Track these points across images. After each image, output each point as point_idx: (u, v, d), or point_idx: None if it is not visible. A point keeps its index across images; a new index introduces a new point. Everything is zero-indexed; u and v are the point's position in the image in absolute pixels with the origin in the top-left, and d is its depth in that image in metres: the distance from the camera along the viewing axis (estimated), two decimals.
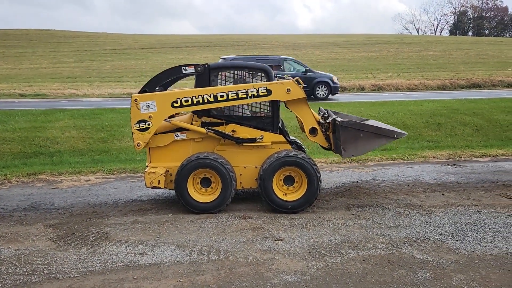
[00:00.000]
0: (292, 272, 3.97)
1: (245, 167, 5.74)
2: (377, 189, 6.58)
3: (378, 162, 8.48)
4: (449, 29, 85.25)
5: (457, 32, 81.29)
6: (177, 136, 5.71)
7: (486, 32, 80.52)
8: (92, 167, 8.20)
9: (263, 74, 5.78)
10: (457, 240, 4.62)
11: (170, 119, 5.74)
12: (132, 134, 5.53)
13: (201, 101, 5.47)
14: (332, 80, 16.95)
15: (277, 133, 5.80)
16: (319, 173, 5.54)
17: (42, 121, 11.36)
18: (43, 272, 4.01)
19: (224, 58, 16.93)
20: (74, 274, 3.98)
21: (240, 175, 5.73)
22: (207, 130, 5.58)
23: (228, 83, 5.72)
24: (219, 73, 5.74)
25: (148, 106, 5.45)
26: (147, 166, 5.74)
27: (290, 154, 5.50)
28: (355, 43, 47.15)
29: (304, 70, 16.84)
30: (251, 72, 5.79)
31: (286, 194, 5.58)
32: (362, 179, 7.16)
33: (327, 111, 6.39)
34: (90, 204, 6.05)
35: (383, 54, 38.41)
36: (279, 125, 5.92)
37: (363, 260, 4.18)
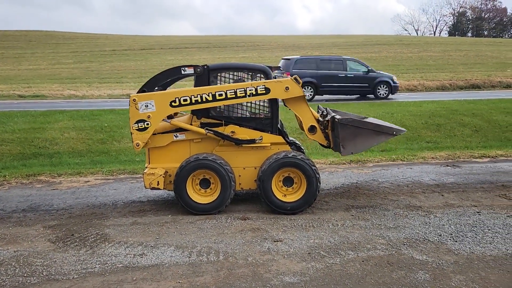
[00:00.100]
0: (291, 273, 3.97)
1: (244, 168, 5.74)
2: (377, 190, 6.58)
3: (378, 163, 8.48)
4: (448, 30, 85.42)
5: (456, 33, 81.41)
6: (176, 137, 5.71)
7: (485, 33, 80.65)
8: (92, 168, 8.20)
9: (262, 75, 5.79)
10: (456, 241, 4.62)
11: (170, 120, 5.74)
12: (131, 134, 5.53)
13: (199, 100, 5.47)
14: (392, 80, 17.14)
15: (276, 134, 5.80)
16: (318, 174, 5.54)
17: (41, 122, 11.35)
18: (42, 274, 4.01)
19: (288, 59, 17.09)
20: (73, 275, 3.97)
21: (239, 176, 5.73)
22: (207, 130, 5.58)
23: (227, 84, 5.72)
24: (218, 74, 5.74)
25: (146, 106, 5.45)
26: (146, 167, 5.74)
27: (289, 155, 5.50)
28: (355, 44, 47.18)
29: (366, 70, 17.00)
30: (250, 73, 5.79)
31: (285, 195, 5.58)
32: (362, 180, 7.16)
33: (326, 109, 6.39)
34: (89, 205, 6.05)
35: (382, 55, 38.44)
36: (278, 126, 5.92)
37: (363, 261, 4.18)
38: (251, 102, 5.81)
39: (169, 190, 5.79)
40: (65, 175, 7.71)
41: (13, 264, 4.21)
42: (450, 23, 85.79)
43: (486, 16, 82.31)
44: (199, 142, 5.74)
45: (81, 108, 14.15)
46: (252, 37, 61.26)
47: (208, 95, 5.45)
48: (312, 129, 5.93)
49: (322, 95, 16.75)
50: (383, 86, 16.92)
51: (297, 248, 4.50)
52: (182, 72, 5.73)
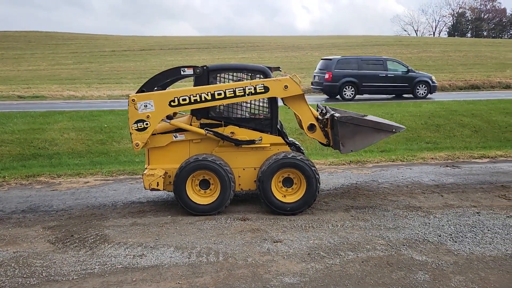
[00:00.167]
0: (291, 274, 3.97)
1: (244, 169, 5.74)
2: (376, 190, 6.59)
3: (377, 163, 8.49)
4: (447, 30, 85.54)
5: (456, 33, 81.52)
6: (175, 137, 5.71)
7: (485, 33, 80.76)
8: (91, 169, 8.20)
9: (261, 76, 5.78)
10: (456, 242, 4.62)
11: (169, 120, 5.74)
12: (130, 134, 5.53)
13: (198, 100, 5.46)
14: (431, 80, 17.26)
15: (276, 135, 5.80)
16: (318, 174, 5.54)
17: (40, 123, 11.35)
18: (42, 275, 4.00)
19: (329, 59, 17.27)
20: (73, 276, 3.97)
21: (239, 176, 5.73)
22: (206, 131, 5.58)
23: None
24: (218, 74, 5.75)
25: (145, 106, 5.45)
26: (146, 168, 5.74)
27: (289, 156, 5.50)
28: (354, 44, 47.21)
29: (406, 70, 17.12)
30: (250, 74, 5.79)
31: (285, 195, 5.58)
32: (361, 181, 7.16)
33: (325, 108, 6.39)
34: (89, 206, 6.05)
35: (382, 55, 38.44)
36: (278, 126, 5.92)
37: (362, 262, 4.19)
38: (250, 103, 5.81)
39: (168, 191, 5.79)
40: (64, 176, 7.71)
41: (12, 265, 4.21)
42: (450, 23, 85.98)
43: (486, 16, 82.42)
44: (199, 142, 5.74)
45: (80, 109, 14.15)
46: (251, 37, 61.31)
47: (207, 95, 5.45)
48: (311, 127, 5.93)
49: (362, 94, 16.92)
50: (422, 86, 17.05)
51: (296, 248, 4.50)
52: (182, 72, 5.73)
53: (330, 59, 17.06)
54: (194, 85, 5.73)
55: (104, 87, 22.97)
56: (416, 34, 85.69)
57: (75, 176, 7.74)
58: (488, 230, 4.94)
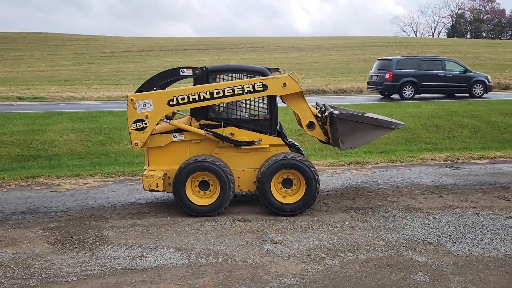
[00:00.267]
0: (290, 275, 3.97)
1: (243, 170, 5.74)
2: (376, 191, 6.59)
3: (377, 164, 8.49)
4: (446, 31, 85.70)
5: (455, 34, 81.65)
6: (175, 137, 5.70)
7: (484, 34, 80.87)
8: (91, 170, 8.19)
9: (260, 77, 5.78)
10: (455, 243, 4.62)
11: (169, 121, 5.74)
12: (130, 134, 5.53)
13: (197, 99, 5.46)
14: (487, 79, 17.46)
15: (275, 136, 5.80)
16: (318, 175, 5.54)
17: (40, 124, 11.34)
18: (41, 276, 4.00)
19: (388, 59, 17.57)
20: (72, 277, 3.97)
21: (239, 177, 5.73)
22: (206, 131, 5.58)
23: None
24: (217, 75, 5.74)
25: (144, 106, 5.45)
26: (145, 169, 5.74)
27: (288, 157, 5.50)
28: (353, 45, 47.27)
29: (463, 69, 17.33)
30: (249, 75, 5.79)
31: (284, 196, 5.58)
32: (361, 182, 7.16)
33: (324, 105, 6.39)
34: (89, 207, 6.04)
35: (382, 56, 38.49)
36: (277, 127, 5.93)
37: (362, 263, 4.18)
38: (250, 104, 5.81)
39: (168, 192, 5.79)
40: (64, 177, 7.71)
41: (12, 266, 4.20)
42: (449, 24, 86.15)
43: (485, 17, 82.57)
44: (198, 143, 5.74)
45: (80, 110, 14.15)
46: (251, 38, 61.36)
47: (206, 93, 5.45)
48: (310, 125, 5.93)
49: (420, 94, 17.15)
50: (479, 86, 17.23)
51: (296, 249, 4.50)
52: (181, 73, 5.73)
53: (390, 59, 17.41)
54: None
55: (104, 88, 22.98)
56: (415, 35, 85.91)
57: (75, 177, 7.73)
58: (488, 231, 4.94)
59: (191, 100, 5.46)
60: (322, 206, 5.88)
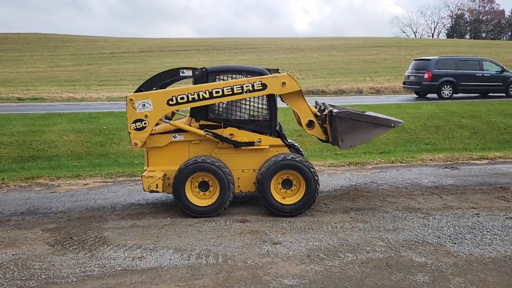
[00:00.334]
0: (290, 275, 3.97)
1: (243, 171, 5.74)
2: (376, 192, 6.59)
3: (376, 165, 8.49)
4: (446, 32, 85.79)
5: (454, 35, 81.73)
6: (174, 137, 5.70)
7: (483, 35, 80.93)
8: (90, 171, 8.19)
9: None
10: (455, 243, 4.62)
11: (169, 121, 5.74)
12: (129, 134, 5.53)
13: (196, 98, 5.46)
14: None
15: (275, 137, 5.80)
16: (317, 176, 5.54)
17: (40, 125, 11.34)
18: (41, 277, 4.00)
19: (427, 59, 17.78)
20: (72, 278, 3.97)
21: (238, 178, 5.73)
22: (205, 132, 5.58)
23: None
24: (217, 76, 5.74)
25: (143, 105, 5.45)
26: (145, 170, 5.74)
27: (288, 158, 5.50)
28: (353, 46, 47.32)
29: (500, 69, 17.57)
30: (248, 76, 5.78)
31: (284, 197, 5.58)
32: (360, 182, 7.17)
33: (324, 104, 6.40)
34: (88, 208, 6.04)
35: (381, 57, 38.57)
36: (277, 128, 5.93)
37: (362, 264, 4.18)
38: (249, 105, 5.82)
39: (168, 193, 5.79)
40: (63, 178, 7.70)
41: (11, 267, 4.20)
42: (448, 25, 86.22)
43: (484, 18, 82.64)
44: (198, 143, 5.74)
45: (79, 110, 14.14)
46: (250, 39, 61.41)
47: (205, 93, 5.45)
48: (310, 124, 5.93)
49: (458, 93, 17.36)
50: None
51: (296, 250, 4.50)
52: (181, 74, 5.74)
53: (429, 60, 17.62)
54: None
55: (103, 89, 22.99)
56: (415, 35, 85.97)
57: (74, 178, 7.73)
58: (487, 231, 4.94)
59: (190, 99, 5.46)
60: (321, 207, 5.88)
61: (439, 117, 12.23)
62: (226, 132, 5.64)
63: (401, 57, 38.40)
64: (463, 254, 4.37)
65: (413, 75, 17.79)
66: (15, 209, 6.01)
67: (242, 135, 5.66)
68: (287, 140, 6.21)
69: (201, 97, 5.45)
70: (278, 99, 5.87)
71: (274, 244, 4.67)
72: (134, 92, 5.62)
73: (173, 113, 6.24)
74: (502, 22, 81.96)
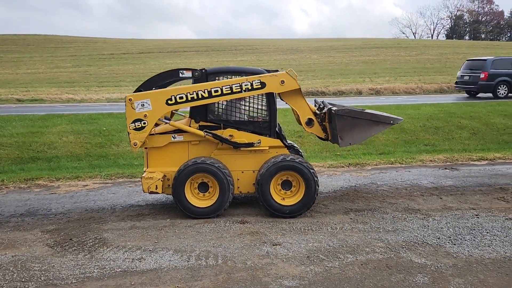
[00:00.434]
0: (290, 277, 3.97)
1: (242, 172, 5.74)
2: (375, 193, 6.59)
3: (376, 166, 8.49)
4: (445, 33, 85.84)
5: (454, 36, 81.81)
6: (174, 138, 5.70)
7: (482, 36, 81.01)
8: (90, 172, 8.19)
9: None
10: (455, 244, 4.63)
11: (169, 121, 5.74)
12: (128, 134, 5.53)
13: (195, 97, 5.45)
14: None
15: (275, 138, 5.80)
16: (317, 177, 5.54)
17: (39, 126, 11.33)
18: (40, 279, 3.99)
19: (483, 60, 18.03)
20: (71, 280, 3.96)
21: (238, 179, 5.73)
22: (205, 133, 5.58)
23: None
24: (216, 78, 5.75)
25: (143, 105, 5.45)
26: (145, 171, 5.74)
27: (287, 159, 5.50)
28: (353, 47, 47.34)
29: None
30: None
31: (283, 198, 5.58)
32: (360, 183, 7.17)
33: (323, 102, 6.41)
34: (88, 209, 6.04)
35: (381, 58, 38.58)
36: (277, 129, 5.93)
37: (361, 265, 4.18)
38: (249, 106, 5.82)
39: (167, 194, 5.79)
40: (63, 179, 7.70)
41: (11, 269, 4.20)
42: (448, 26, 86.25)
43: (483, 19, 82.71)
44: (197, 144, 5.74)
45: (79, 112, 14.14)
46: (250, 40, 61.42)
47: (204, 92, 5.45)
48: (309, 122, 5.94)
49: None
50: None
51: (296, 251, 4.50)
52: (180, 75, 5.74)
53: (485, 60, 17.89)
54: None
55: (103, 90, 22.99)
56: (414, 36, 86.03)
57: (74, 179, 7.73)
58: (487, 232, 4.94)
59: (189, 99, 5.46)
60: (321, 208, 5.88)
61: (439, 118, 12.24)
62: (225, 133, 5.64)
63: (400, 58, 38.41)
64: (463, 255, 4.37)
65: (467, 75, 18.12)
66: (15, 211, 6.01)
67: (241, 136, 5.66)
68: (286, 141, 6.21)
69: (200, 96, 5.45)
70: (278, 100, 5.87)
71: (273, 245, 4.67)
72: (133, 92, 5.63)
73: (172, 114, 6.24)
74: (501, 23, 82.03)
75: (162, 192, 5.64)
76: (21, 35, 60.61)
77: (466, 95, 18.78)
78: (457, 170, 7.96)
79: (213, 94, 5.45)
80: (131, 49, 49.20)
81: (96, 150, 9.91)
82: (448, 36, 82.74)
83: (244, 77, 5.55)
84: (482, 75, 17.23)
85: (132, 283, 3.89)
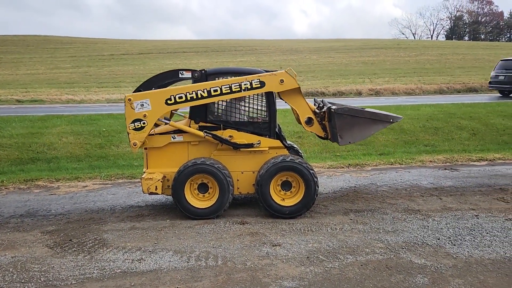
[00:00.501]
0: (290, 277, 3.96)
1: (242, 173, 5.74)
2: (375, 193, 6.59)
3: (376, 166, 8.49)
4: (445, 33, 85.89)
5: (453, 36, 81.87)
6: (173, 138, 5.70)
7: (482, 36, 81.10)
8: (90, 173, 8.19)
9: None
10: (454, 245, 4.63)
11: (169, 122, 5.74)
12: (128, 134, 5.53)
13: (195, 97, 5.45)
14: None
15: (274, 138, 5.80)
16: (316, 177, 5.54)
17: (39, 127, 11.33)
18: (40, 280, 3.99)
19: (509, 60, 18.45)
20: (71, 281, 3.96)
21: (238, 180, 5.73)
22: (205, 133, 5.58)
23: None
24: (216, 78, 5.74)
25: (142, 105, 5.45)
26: (144, 172, 5.74)
27: (287, 159, 5.50)
28: (352, 47, 47.37)
29: None
30: None
31: (283, 199, 5.58)
32: (360, 184, 7.17)
33: (322, 101, 6.41)
34: (88, 210, 6.04)
35: (380, 58, 38.60)
36: (276, 130, 5.93)
37: (361, 265, 4.18)
38: (248, 106, 5.82)
39: (167, 194, 5.78)
40: (63, 180, 7.70)
41: (10, 270, 4.19)
42: (447, 27, 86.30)
43: (483, 20, 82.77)
44: (197, 145, 5.74)
45: (79, 112, 14.14)
46: (249, 41, 61.45)
47: (203, 91, 5.44)
48: (309, 121, 5.94)
49: None
50: None
51: (295, 252, 4.50)
52: (180, 75, 5.75)
53: (510, 60, 18.16)
54: None
55: (103, 91, 22.99)
56: (414, 37, 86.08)
57: (74, 180, 7.72)
58: (487, 233, 4.94)
59: (188, 98, 5.46)
60: (321, 209, 5.88)
61: (438, 119, 12.24)
62: (225, 133, 5.64)
63: (400, 58, 38.43)
64: (463, 255, 4.37)
65: (502, 75, 18.33)
66: (14, 211, 6.01)
67: (241, 137, 5.66)
68: (286, 142, 6.21)
69: (199, 96, 5.45)
70: (278, 100, 5.87)
71: (273, 246, 4.67)
72: (133, 93, 5.63)
73: (171, 114, 6.24)
74: (501, 23, 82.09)
75: (162, 193, 5.64)
76: (20, 36, 60.61)
77: (499, 94, 18.91)
78: (456, 171, 7.96)
79: (213, 93, 5.44)
80: (130, 49, 49.20)
81: (96, 151, 9.91)
82: (448, 37, 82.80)
83: (244, 77, 5.56)
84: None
85: (132, 284, 3.88)
